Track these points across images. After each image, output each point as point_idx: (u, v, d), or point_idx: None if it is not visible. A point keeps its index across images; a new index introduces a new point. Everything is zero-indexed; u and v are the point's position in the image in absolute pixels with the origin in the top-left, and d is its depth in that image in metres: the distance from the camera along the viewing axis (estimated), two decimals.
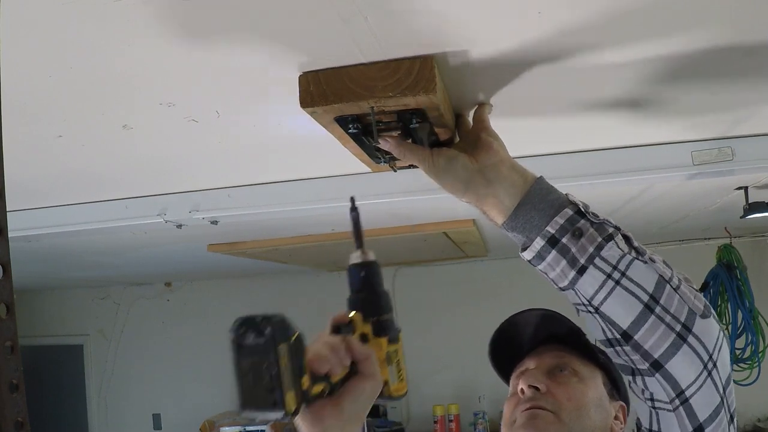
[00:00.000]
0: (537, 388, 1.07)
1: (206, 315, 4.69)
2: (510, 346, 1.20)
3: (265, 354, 0.72)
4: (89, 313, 5.20)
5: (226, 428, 4.20)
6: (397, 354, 0.88)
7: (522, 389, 1.09)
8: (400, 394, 0.88)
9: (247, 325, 0.73)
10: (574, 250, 0.80)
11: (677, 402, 0.81)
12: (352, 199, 0.90)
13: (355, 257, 0.88)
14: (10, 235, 0.45)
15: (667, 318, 0.79)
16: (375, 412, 4.49)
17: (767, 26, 0.82)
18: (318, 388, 0.76)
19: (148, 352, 5.04)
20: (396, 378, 0.87)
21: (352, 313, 0.86)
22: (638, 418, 0.89)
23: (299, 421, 0.77)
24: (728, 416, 0.84)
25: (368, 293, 0.87)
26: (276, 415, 0.72)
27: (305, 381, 0.73)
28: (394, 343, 0.88)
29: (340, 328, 0.85)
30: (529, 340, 1.19)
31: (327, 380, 0.77)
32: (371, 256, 0.89)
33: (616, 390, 1.15)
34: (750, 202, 2.20)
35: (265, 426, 4.06)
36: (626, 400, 1.16)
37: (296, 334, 0.74)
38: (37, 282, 4.35)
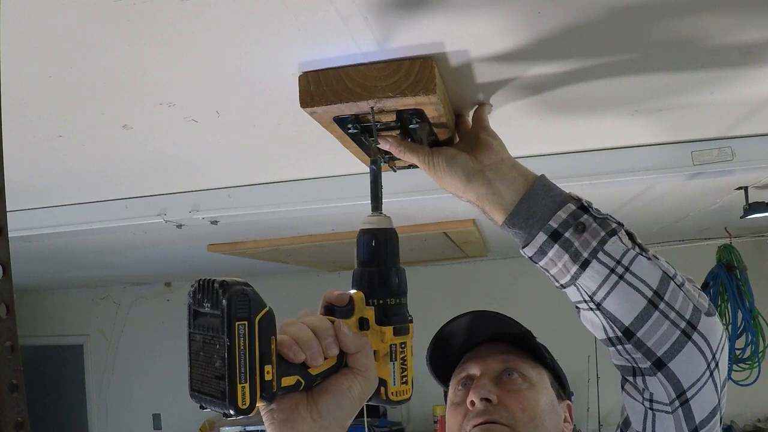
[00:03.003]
0: (489, 400, 1.01)
1: None
2: (445, 348, 1.13)
3: (218, 331, 0.58)
4: (89, 313, 5.21)
5: (226, 428, 4.20)
6: (404, 350, 0.72)
7: (472, 401, 1.02)
8: (400, 398, 0.73)
9: (204, 290, 0.60)
10: (576, 244, 0.79)
11: (677, 403, 0.80)
12: (375, 151, 0.80)
13: (368, 222, 0.74)
14: (10, 235, 0.45)
15: (672, 314, 0.77)
16: (374, 412, 4.49)
17: (763, 25, 0.82)
18: (289, 381, 0.63)
19: (148, 352, 5.04)
20: (398, 379, 0.72)
21: (353, 292, 0.71)
22: (626, 418, 0.87)
23: (265, 417, 0.66)
24: (720, 418, 0.83)
25: (377, 268, 0.72)
26: (223, 409, 0.59)
27: (269, 371, 0.60)
28: (402, 335, 0.72)
29: (335, 308, 0.70)
30: (464, 341, 1.13)
31: (303, 371, 0.64)
32: (387, 222, 0.75)
33: (563, 389, 1.12)
34: (750, 202, 2.20)
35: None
36: (570, 397, 1.14)
37: (264, 311, 0.60)
38: (37, 282, 4.35)
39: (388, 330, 0.71)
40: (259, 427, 4.09)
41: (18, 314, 0.44)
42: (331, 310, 0.70)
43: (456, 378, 1.11)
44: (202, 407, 0.62)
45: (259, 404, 0.62)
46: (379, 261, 0.73)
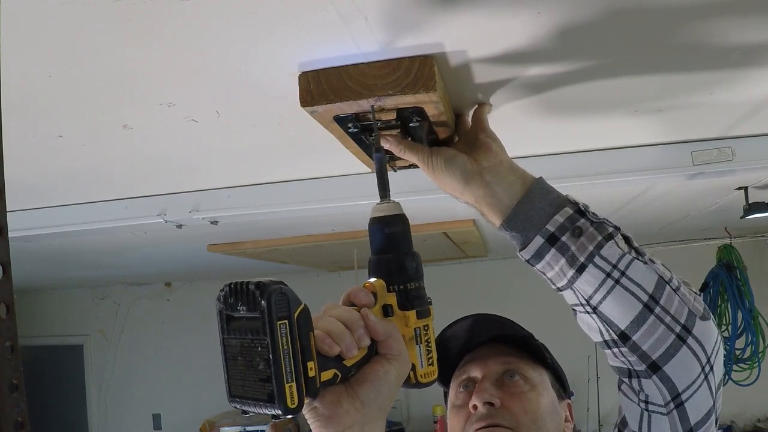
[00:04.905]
0: (492, 404, 1.02)
1: (206, 315, 4.69)
2: (445, 350, 1.12)
3: (259, 333, 0.57)
4: (89, 313, 5.21)
5: (226, 428, 4.20)
6: (428, 332, 0.73)
7: (475, 405, 1.02)
8: (429, 380, 0.74)
9: (237, 293, 0.60)
10: (573, 248, 0.79)
11: (672, 405, 0.80)
12: (378, 141, 0.80)
13: (378, 209, 0.75)
14: (10, 235, 0.45)
15: (667, 319, 0.78)
16: None
17: (764, 26, 0.82)
18: (327, 375, 0.62)
19: (148, 352, 5.04)
20: (425, 361, 0.73)
21: (373, 280, 0.72)
22: (623, 418, 0.87)
23: (308, 415, 0.66)
24: (716, 419, 0.83)
25: (394, 255, 0.73)
26: (272, 411, 0.58)
27: (312, 367, 0.59)
28: (425, 318, 0.73)
29: None
30: (464, 342, 1.13)
31: (338, 364, 0.64)
32: (397, 208, 0.76)
33: (563, 388, 1.12)
34: (750, 202, 2.20)
35: (265, 426, 4.05)
36: (570, 396, 1.14)
37: (300, 307, 0.60)
38: (37, 282, 4.35)
39: (412, 314, 0.72)
40: (259, 428, 4.09)
41: (18, 314, 0.44)
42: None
43: (457, 380, 1.11)
44: (244, 412, 0.62)
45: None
46: (394, 247, 0.73)
